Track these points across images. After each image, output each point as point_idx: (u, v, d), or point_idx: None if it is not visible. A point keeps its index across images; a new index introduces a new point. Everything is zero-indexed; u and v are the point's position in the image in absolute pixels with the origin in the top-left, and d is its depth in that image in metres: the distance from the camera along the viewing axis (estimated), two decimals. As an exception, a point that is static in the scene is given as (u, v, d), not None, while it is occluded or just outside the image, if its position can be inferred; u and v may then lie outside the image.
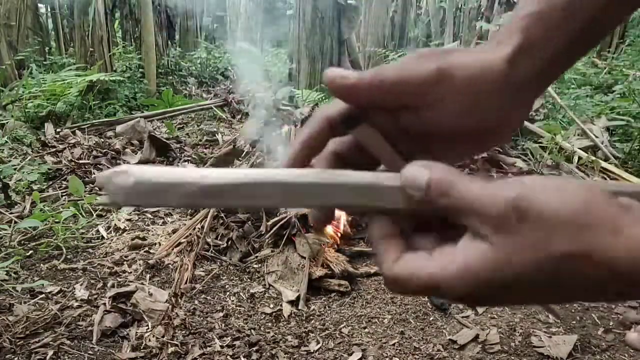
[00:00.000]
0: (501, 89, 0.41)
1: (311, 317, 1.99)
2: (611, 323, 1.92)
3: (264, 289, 2.16)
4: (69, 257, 2.43)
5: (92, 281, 2.21)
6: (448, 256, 0.37)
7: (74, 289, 2.14)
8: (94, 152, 3.97)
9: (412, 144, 0.44)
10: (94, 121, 4.76)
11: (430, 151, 0.43)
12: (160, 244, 2.53)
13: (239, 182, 0.37)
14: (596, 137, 3.79)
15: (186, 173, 0.36)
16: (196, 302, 2.07)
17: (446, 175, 0.38)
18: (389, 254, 0.40)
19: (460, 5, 9.04)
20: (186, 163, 3.86)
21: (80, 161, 3.77)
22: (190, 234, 2.52)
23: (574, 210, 0.34)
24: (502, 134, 0.44)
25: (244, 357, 1.76)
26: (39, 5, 6.89)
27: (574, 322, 1.93)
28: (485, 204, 0.35)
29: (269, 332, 1.89)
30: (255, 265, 2.31)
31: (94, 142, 4.23)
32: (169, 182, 0.36)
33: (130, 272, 2.27)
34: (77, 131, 4.45)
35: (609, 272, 0.33)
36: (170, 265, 2.32)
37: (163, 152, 3.97)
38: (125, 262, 2.37)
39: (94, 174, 3.60)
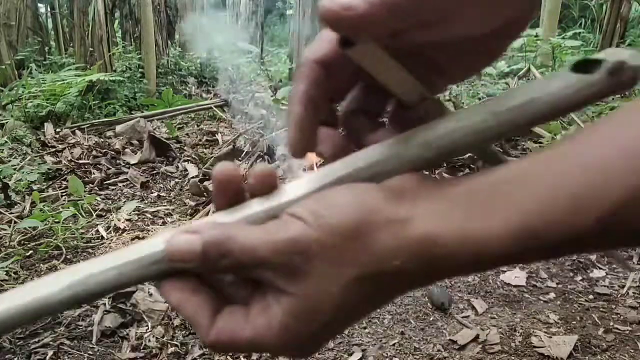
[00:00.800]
0: None
1: (311, 317, 1.98)
2: (611, 323, 1.92)
3: (263, 289, 2.15)
4: (68, 257, 2.43)
5: (92, 281, 2.20)
6: (264, 317, 0.34)
7: (74, 289, 2.13)
8: (94, 152, 3.97)
9: (416, 62, 0.39)
10: (94, 121, 4.75)
11: (436, 69, 0.40)
12: (160, 244, 2.52)
13: None
14: (596, 137, 3.77)
15: None
16: (196, 302, 2.06)
17: (222, 232, 0.34)
18: (201, 318, 0.35)
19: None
20: (186, 163, 3.86)
21: (80, 161, 3.77)
22: (190, 234, 2.51)
23: (350, 230, 0.32)
24: (512, 35, 0.39)
25: (243, 357, 1.76)
26: (39, 5, 6.89)
27: (574, 322, 1.93)
28: (268, 254, 0.32)
29: (268, 332, 1.88)
30: (255, 265, 2.31)
31: (94, 142, 4.22)
32: None
33: (130, 272, 2.26)
34: (76, 131, 4.45)
35: (409, 276, 0.33)
36: (170, 265, 2.32)
37: (163, 152, 3.97)
38: (125, 262, 2.36)
39: (93, 173, 3.60)
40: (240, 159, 3.43)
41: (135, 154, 3.99)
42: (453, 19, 0.35)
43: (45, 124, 4.49)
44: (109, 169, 3.69)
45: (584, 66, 0.35)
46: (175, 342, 1.82)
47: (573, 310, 2.01)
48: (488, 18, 0.36)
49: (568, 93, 0.35)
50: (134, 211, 2.93)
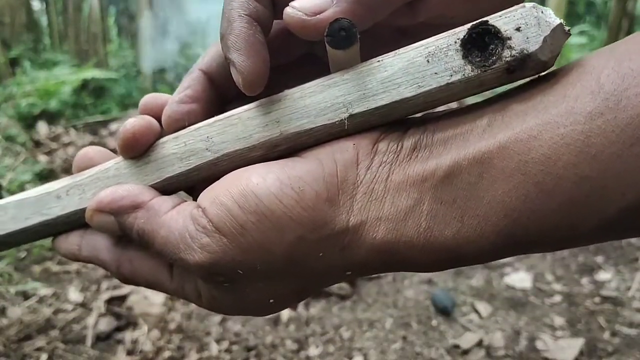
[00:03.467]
0: None
1: (310, 321, 1.95)
2: (618, 326, 1.89)
3: (262, 292, 2.12)
4: (62, 259, 2.39)
5: (86, 284, 2.17)
6: (189, 285, 0.34)
7: (68, 291, 2.11)
8: (89, 151, 3.92)
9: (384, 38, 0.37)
10: (88, 119, 4.71)
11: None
12: (156, 245, 2.49)
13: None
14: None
15: None
16: (192, 305, 2.03)
17: (144, 224, 0.33)
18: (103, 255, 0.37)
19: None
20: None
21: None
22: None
23: (284, 253, 0.29)
24: None
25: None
26: (33, 2, 6.83)
27: (580, 325, 1.90)
28: (189, 267, 0.31)
29: (267, 337, 1.86)
30: (253, 267, 2.27)
31: (89, 141, 4.19)
32: None
33: (126, 275, 2.23)
34: (71, 130, 4.40)
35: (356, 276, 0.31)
36: (166, 267, 2.29)
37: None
38: (120, 264, 2.33)
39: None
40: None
41: (131, 152, 3.95)
42: (430, 5, 0.33)
43: (39, 122, 4.44)
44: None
45: (481, 36, 0.27)
46: (171, 346, 1.80)
47: (579, 314, 1.98)
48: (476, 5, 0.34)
49: (448, 94, 0.28)
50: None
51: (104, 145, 4.04)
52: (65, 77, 4.93)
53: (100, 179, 0.36)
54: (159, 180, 0.35)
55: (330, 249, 0.29)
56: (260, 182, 0.29)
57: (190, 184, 0.36)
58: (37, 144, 4.02)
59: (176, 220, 0.31)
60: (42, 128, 4.33)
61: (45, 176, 3.41)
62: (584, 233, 0.26)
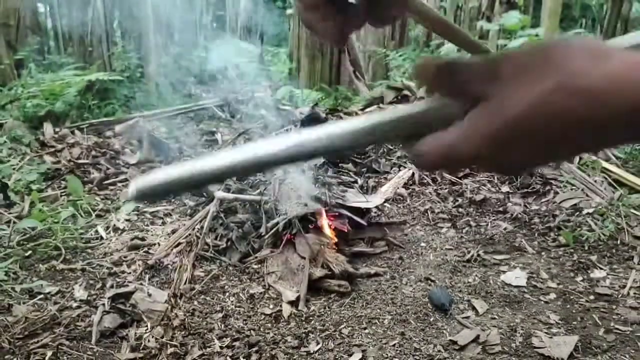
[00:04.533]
0: None
1: (311, 318, 1.98)
2: (612, 323, 1.91)
3: (263, 290, 2.15)
4: (67, 257, 2.42)
5: (91, 282, 2.20)
6: (460, 124, 0.38)
7: (73, 289, 2.14)
8: (93, 152, 3.96)
9: None
10: (93, 121, 4.74)
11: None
12: (159, 244, 2.52)
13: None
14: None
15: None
16: (195, 302, 2.07)
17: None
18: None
19: (460, 5, 8.97)
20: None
21: (79, 161, 3.76)
22: (190, 234, 2.51)
23: (549, 50, 0.35)
24: None
25: (243, 357, 1.76)
26: (38, 4, 6.88)
27: (575, 322, 1.92)
28: (480, 65, 0.37)
29: (268, 333, 1.88)
30: (254, 266, 2.30)
31: (93, 142, 4.21)
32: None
33: (130, 273, 2.26)
34: (75, 131, 4.44)
35: (587, 100, 0.34)
36: (169, 266, 2.31)
37: (162, 152, 3.96)
38: (124, 263, 2.36)
39: (92, 173, 3.59)
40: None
41: (135, 153, 3.98)
42: None
43: (44, 123, 4.48)
44: (108, 169, 3.68)
45: None
46: (174, 343, 1.82)
47: (574, 311, 2.00)
48: None
49: None
50: (133, 211, 2.92)
51: (107, 146, 4.08)
52: (70, 78, 4.97)
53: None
54: None
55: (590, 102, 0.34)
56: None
57: None
58: (43, 144, 4.06)
59: None
60: (48, 129, 4.37)
61: (50, 176, 3.45)
62: None
